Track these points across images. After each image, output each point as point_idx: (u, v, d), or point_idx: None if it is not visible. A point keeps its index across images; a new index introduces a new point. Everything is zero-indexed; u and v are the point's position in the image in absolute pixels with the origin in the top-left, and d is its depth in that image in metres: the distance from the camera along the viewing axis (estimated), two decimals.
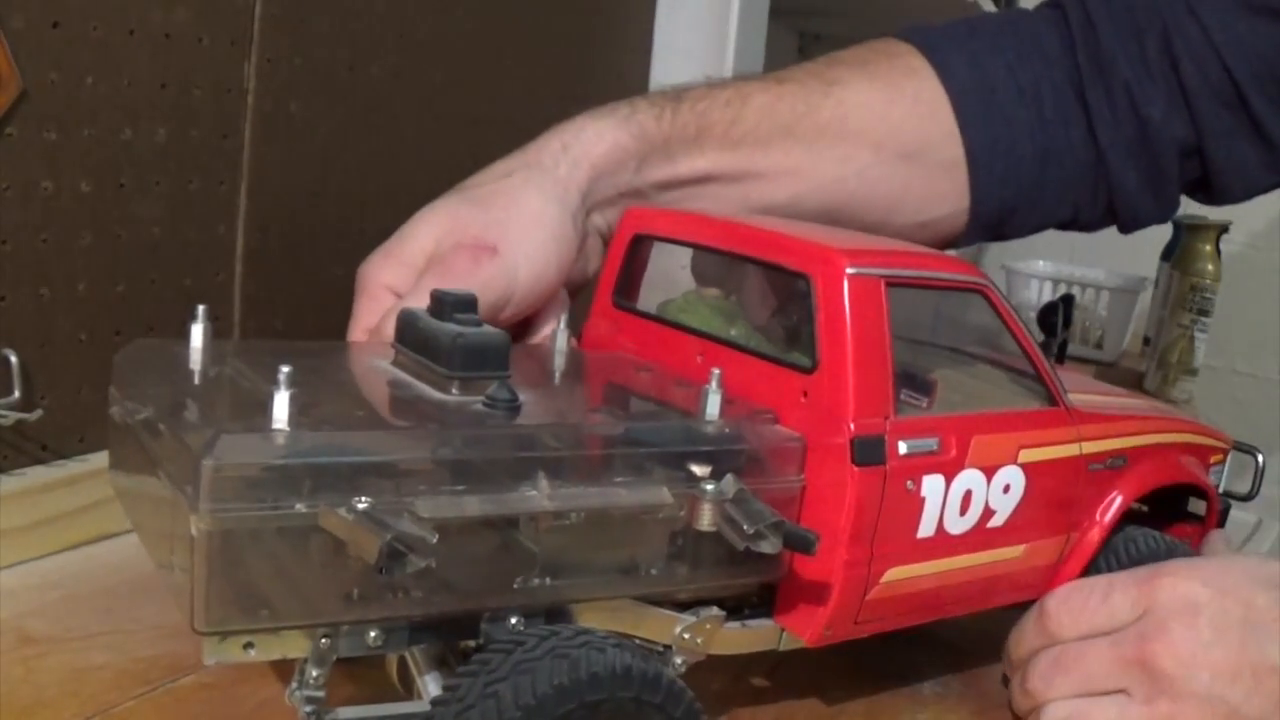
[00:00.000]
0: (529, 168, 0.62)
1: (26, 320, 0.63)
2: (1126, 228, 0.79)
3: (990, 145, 0.72)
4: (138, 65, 0.66)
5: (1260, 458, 0.70)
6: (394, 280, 0.59)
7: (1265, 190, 0.77)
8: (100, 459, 0.66)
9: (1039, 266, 1.75)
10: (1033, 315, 1.27)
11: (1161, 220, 0.78)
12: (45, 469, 0.64)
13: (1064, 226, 0.79)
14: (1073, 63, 0.73)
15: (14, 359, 0.60)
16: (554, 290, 0.62)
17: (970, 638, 0.64)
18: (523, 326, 0.63)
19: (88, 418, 0.67)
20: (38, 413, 0.62)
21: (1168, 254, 1.63)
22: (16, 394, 0.60)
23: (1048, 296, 1.57)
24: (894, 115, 0.72)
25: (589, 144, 0.63)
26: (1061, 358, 1.25)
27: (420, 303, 0.50)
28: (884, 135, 0.71)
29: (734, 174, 0.68)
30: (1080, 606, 0.54)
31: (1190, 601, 0.52)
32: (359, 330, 0.59)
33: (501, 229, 0.59)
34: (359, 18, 0.82)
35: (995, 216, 0.75)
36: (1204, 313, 1.38)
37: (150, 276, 0.70)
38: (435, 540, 0.36)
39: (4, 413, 0.60)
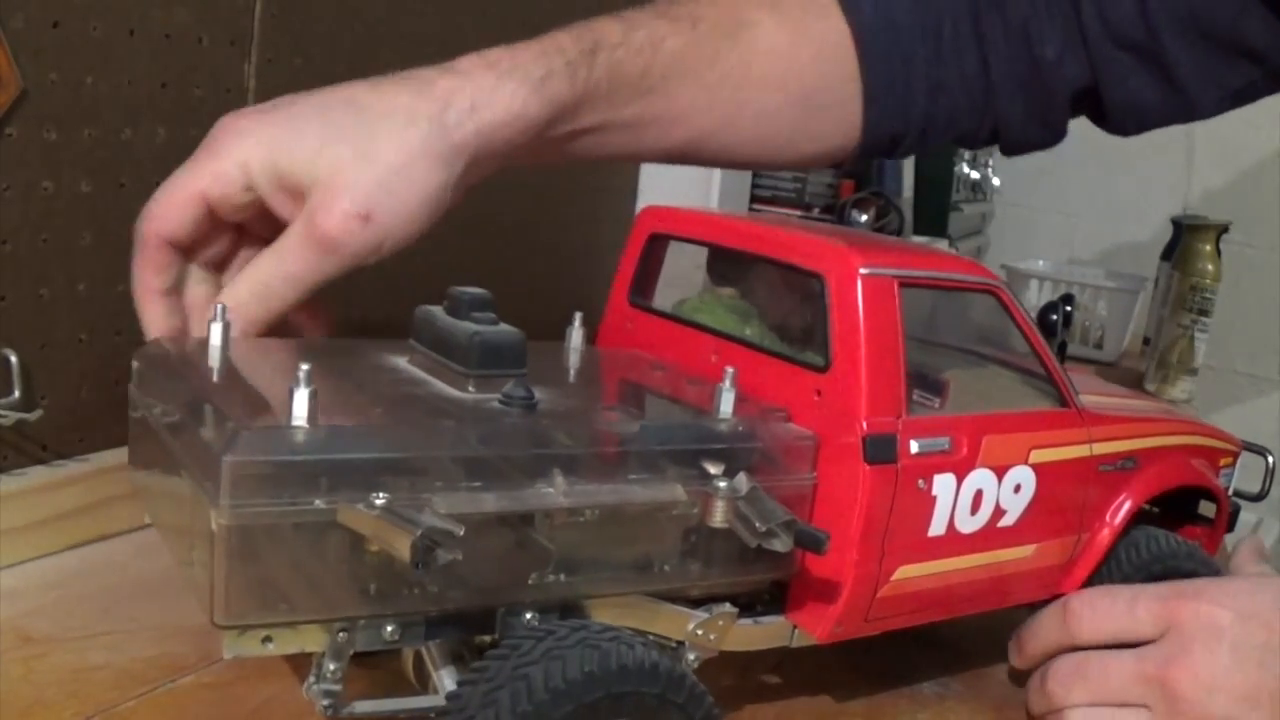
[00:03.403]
0: (429, 121, 0.56)
1: (26, 320, 0.62)
2: (1010, 152, 0.80)
3: (888, 85, 0.73)
4: (138, 65, 0.66)
5: (1270, 459, 0.70)
6: (259, 177, 0.55)
7: (1160, 126, 0.77)
8: (100, 459, 0.66)
9: (1039, 266, 1.76)
10: (1032, 315, 1.27)
11: (1045, 147, 0.79)
12: (45, 469, 0.64)
13: (944, 144, 0.81)
14: None
15: (14, 359, 0.60)
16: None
17: (970, 638, 0.64)
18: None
19: (88, 418, 0.66)
20: (38, 413, 0.61)
21: (1168, 254, 1.63)
22: (16, 394, 0.60)
23: (1048, 296, 1.58)
24: (799, 59, 0.72)
25: (498, 109, 0.58)
26: (1061, 358, 1.25)
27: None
28: (786, 80, 0.71)
29: (630, 122, 0.66)
30: (1105, 612, 0.56)
31: (1214, 626, 0.53)
32: (193, 186, 0.54)
33: (382, 190, 0.54)
34: (359, 18, 0.82)
35: (882, 145, 0.76)
36: (1204, 313, 1.38)
37: None
38: (462, 533, 0.36)
39: (4, 413, 0.60)
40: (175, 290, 0.56)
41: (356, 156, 0.54)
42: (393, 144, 0.55)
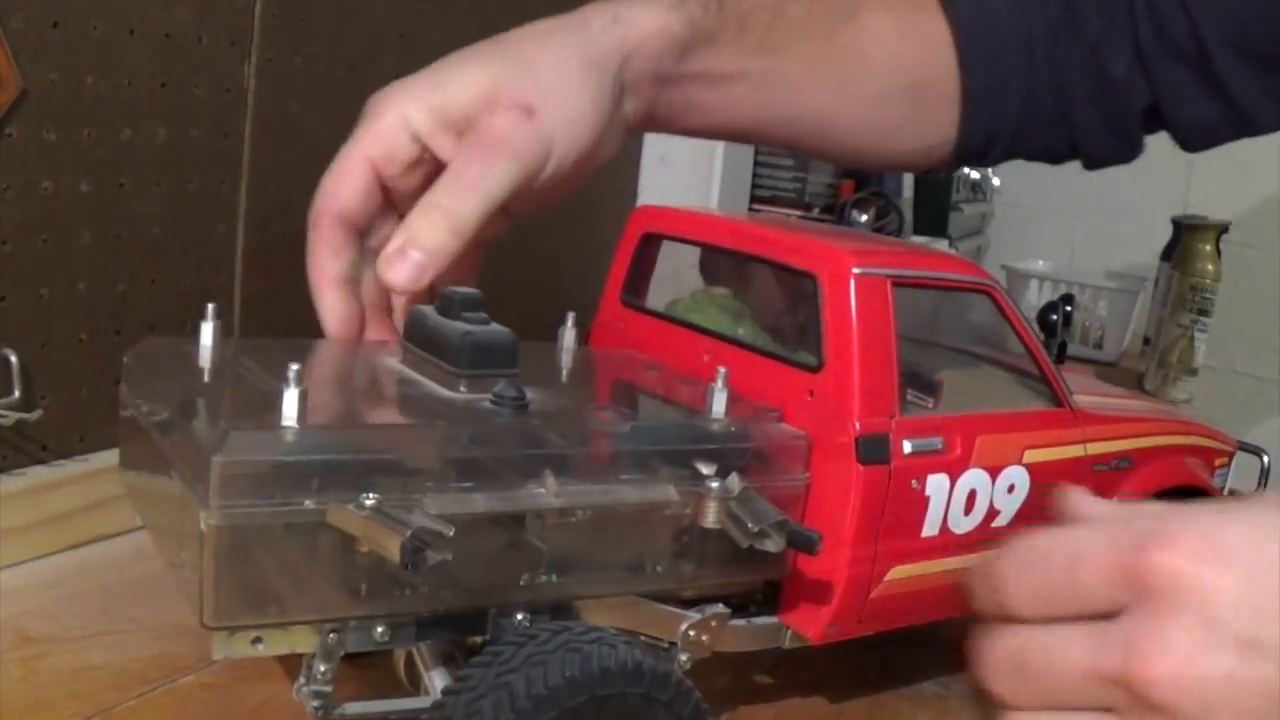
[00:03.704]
0: (574, 31, 0.58)
1: (26, 320, 0.63)
2: (1091, 166, 0.79)
3: (985, 87, 0.73)
4: (138, 65, 0.66)
5: (1266, 458, 0.70)
6: (420, 122, 0.55)
7: (1225, 142, 0.77)
8: (100, 459, 0.66)
9: (1039, 266, 1.75)
10: (1032, 315, 1.27)
11: (1126, 161, 0.79)
12: (45, 469, 0.64)
13: (1031, 158, 0.80)
14: (1055, 8, 0.74)
15: (14, 359, 0.60)
16: (587, 160, 0.58)
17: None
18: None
19: (88, 418, 0.66)
20: (38, 413, 0.62)
21: (1168, 254, 1.63)
22: (16, 394, 0.60)
23: (1048, 296, 1.57)
24: (905, 49, 0.72)
25: (641, 21, 0.59)
26: (1061, 358, 1.25)
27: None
28: (896, 68, 0.71)
29: (761, 78, 0.66)
30: (1040, 582, 0.39)
31: (1197, 590, 0.36)
32: (358, 154, 0.54)
33: (541, 91, 0.55)
34: (359, 18, 0.82)
35: (975, 149, 0.76)
36: (1204, 313, 1.38)
37: (150, 276, 0.70)
38: (452, 534, 0.36)
39: (4, 413, 0.60)
40: (351, 280, 0.55)
41: (509, 69, 0.55)
42: (542, 52, 0.56)
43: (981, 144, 0.75)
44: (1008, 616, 0.40)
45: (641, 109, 0.61)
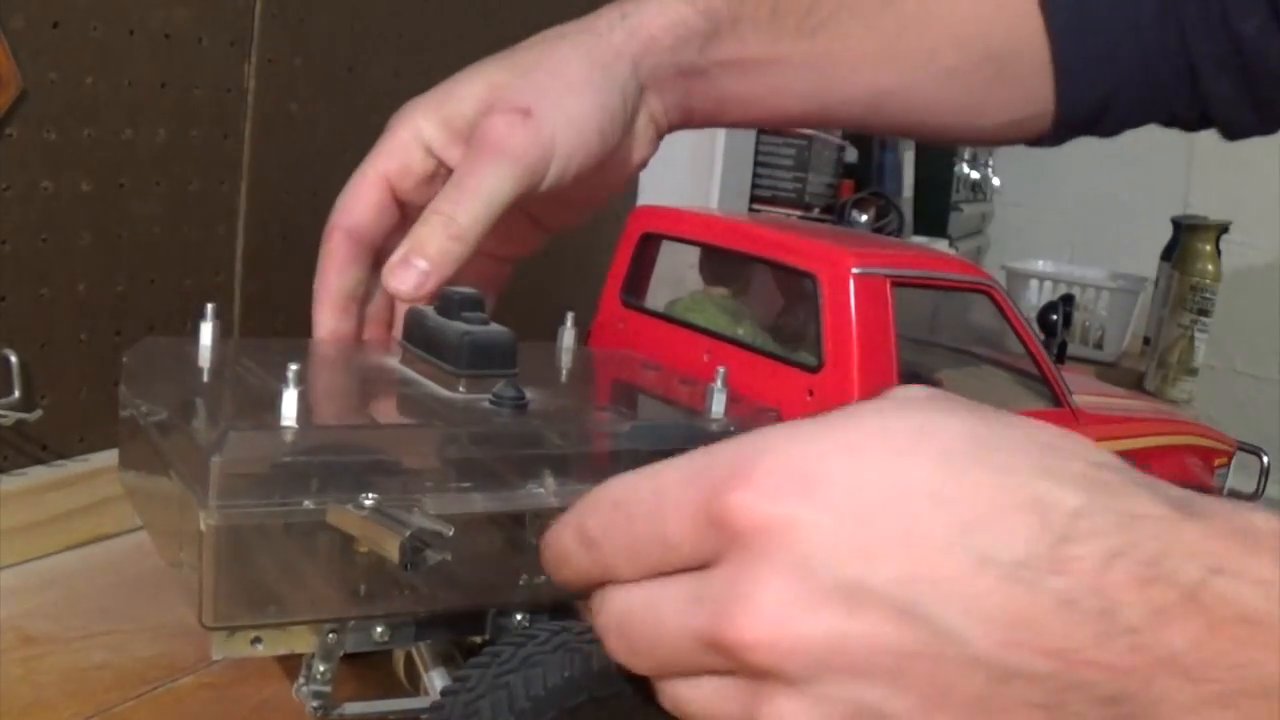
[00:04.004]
0: (580, 32, 0.57)
1: (26, 320, 0.63)
2: (1232, 137, 0.72)
3: (1080, 54, 0.67)
4: (138, 65, 0.66)
5: (1266, 459, 0.70)
6: (432, 135, 0.55)
7: None
8: (100, 459, 0.66)
9: (1039, 266, 1.76)
10: (1032, 315, 1.27)
11: (1267, 133, 0.71)
12: (45, 469, 0.64)
13: (1167, 125, 0.73)
14: None
15: (14, 359, 0.60)
16: (595, 164, 0.56)
17: None
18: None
19: (88, 418, 0.66)
20: (38, 413, 0.62)
21: (1168, 254, 1.63)
22: (16, 394, 0.60)
23: (1048, 296, 1.58)
24: (980, 12, 0.66)
25: (649, 14, 0.58)
26: (1061, 358, 1.25)
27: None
28: (969, 33, 0.66)
29: (804, 62, 0.62)
30: (627, 535, 0.34)
31: (785, 532, 0.30)
32: (372, 171, 0.54)
33: (539, 91, 0.54)
34: (359, 18, 0.82)
35: (1082, 121, 0.69)
36: (1204, 313, 1.38)
37: (150, 276, 0.70)
38: (452, 534, 0.36)
39: (4, 413, 0.60)
40: (356, 297, 0.55)
41: (508, 74, 0.55)
42: (546, 56, 0.55)
43: (1086, 116, 0.69)
44: (609, 576, 0.34)
45: (672, 106, 0.60)
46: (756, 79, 0.62)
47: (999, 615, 0.28)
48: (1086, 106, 0.68)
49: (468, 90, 0.55)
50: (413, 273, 0.51)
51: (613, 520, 0.34)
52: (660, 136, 0.61)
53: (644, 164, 0.61)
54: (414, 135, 0.54)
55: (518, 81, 0.54)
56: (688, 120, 0.62)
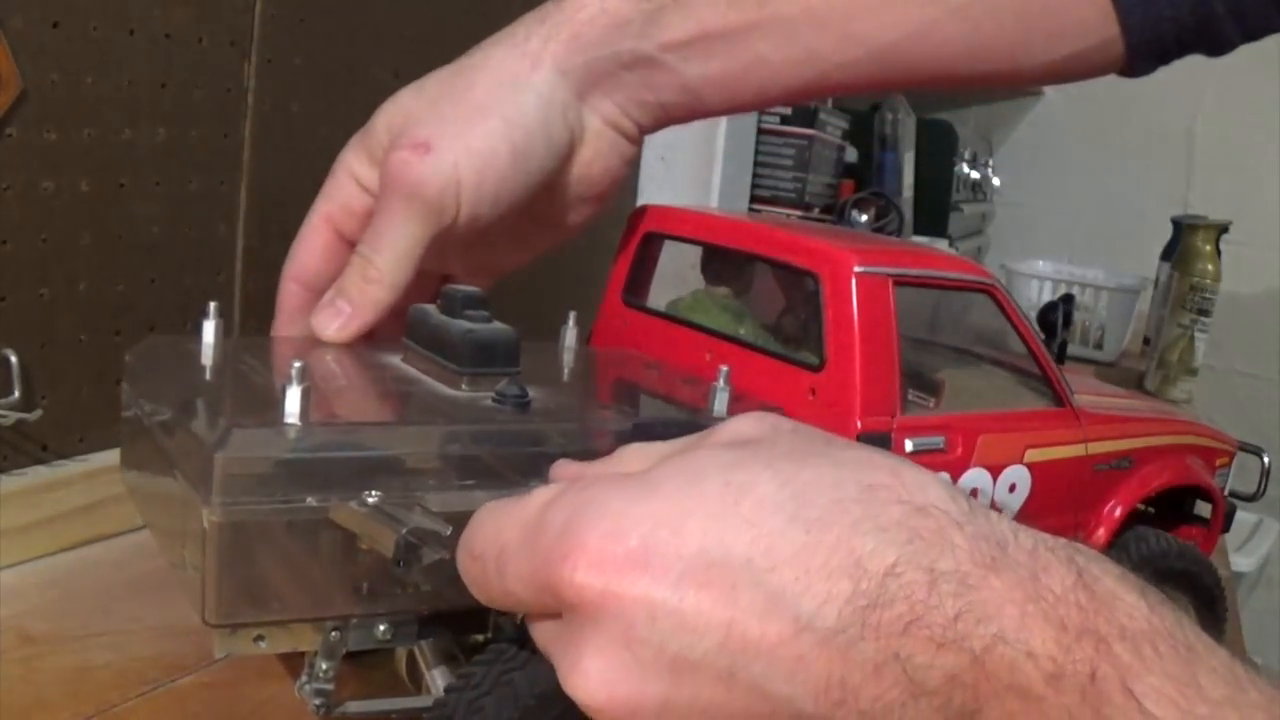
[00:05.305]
0: (494, 45, 0.53)
1: (26, 320, 0.63)
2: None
3: None
4: (138, 65, 0.66)
5: (1267, 459, 0.70)
6: (360, 171, 0.54)
7: None
8: (100, 459, 0.66)
9: (1039, 266, 1.76)
10: (1033, 315, 1.28)
11: None
12: (45, 469, 0.64)
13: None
14: None
15: (14, 359, 0.60)
16: (526, 186, 0.52)
17: None
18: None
19: (88, 418, 0.66)
20: (38, 413, 0.62)
21: (1168, 254, 1.63)
22: (16, 394, 0.60)
23: (1048, 296, 1.58)
24: None
25: (568, 11, 0.52)
26: (1061, 358, 1.25)
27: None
28: None
29: (786, 21, 0.54)
30: (483, 586, 0.35)
31: (605, 605, 0.31)
32: (316, 216, 0.54)
33: (441, 121, 0.51)
34: (359, 18, 0.82)
35: (1156, 46, 0.58)
36: (1204, 313, 1.38)
37: (150, 276, 0.70)
38: (449, 533, 0.36)
39: (4, 413, 0.60)
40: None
41: (419, 101, 0.53)
42: (455, 78, 0.53)
43: (1158, 40, 0.58)
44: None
45: (629, 103, 0.55)
46: (726, 56, 0.54)
47: (821, 679, 0.29)
48: (1154, 29, 0.57)
49: (383, 121, 0.53)
50: (337, 317, 0.51)
51: (470, 570, 0.35)
52: (630, 138, 0.57)
53: (615, 170, 0.57)
54: (348, 173, 0.54)
55: (424, 111, 0.52)
56: (662, 117, 0.57)
